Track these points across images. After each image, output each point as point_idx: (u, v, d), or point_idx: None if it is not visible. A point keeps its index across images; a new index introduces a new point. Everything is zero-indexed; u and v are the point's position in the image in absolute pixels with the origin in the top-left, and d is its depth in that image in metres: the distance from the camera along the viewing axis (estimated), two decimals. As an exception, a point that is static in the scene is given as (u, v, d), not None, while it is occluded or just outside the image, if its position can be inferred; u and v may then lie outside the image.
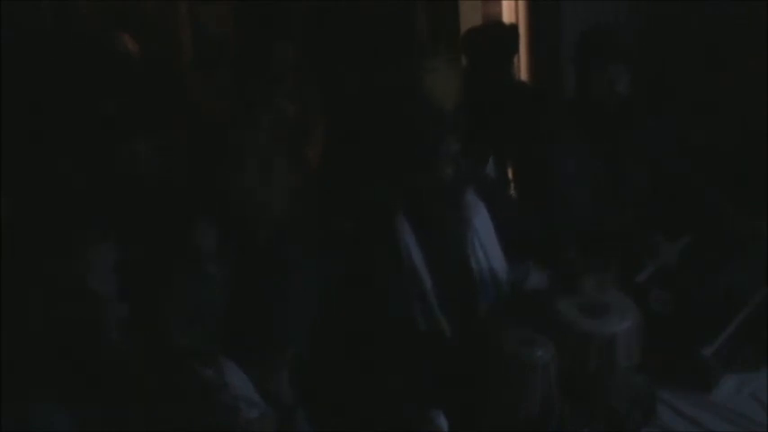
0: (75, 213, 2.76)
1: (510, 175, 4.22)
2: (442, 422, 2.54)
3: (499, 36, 4.39)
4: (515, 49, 4.52)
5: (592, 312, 2.71)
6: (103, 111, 3.44)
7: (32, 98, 3.94)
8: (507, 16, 5.32)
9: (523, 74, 5.25)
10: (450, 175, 2.80)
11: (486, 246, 2.85)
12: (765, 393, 2.83)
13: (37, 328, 2.54)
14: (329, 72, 4.68)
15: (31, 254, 2.68)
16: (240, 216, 2.92)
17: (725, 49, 4.49)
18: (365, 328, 2.74)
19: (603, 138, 3.32)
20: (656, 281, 3.08)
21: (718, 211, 3.31)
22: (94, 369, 2.50)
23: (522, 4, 5.22)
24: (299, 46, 4.56)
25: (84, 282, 2.59)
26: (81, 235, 2.66)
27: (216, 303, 2.74)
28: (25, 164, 3.29)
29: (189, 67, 5.05)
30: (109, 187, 2.80)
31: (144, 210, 2.73)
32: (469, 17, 5.25)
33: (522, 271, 2.95)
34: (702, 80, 4.56)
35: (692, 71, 4.62)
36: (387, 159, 2.86)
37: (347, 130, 4.12)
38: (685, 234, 3.25)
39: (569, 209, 3.22)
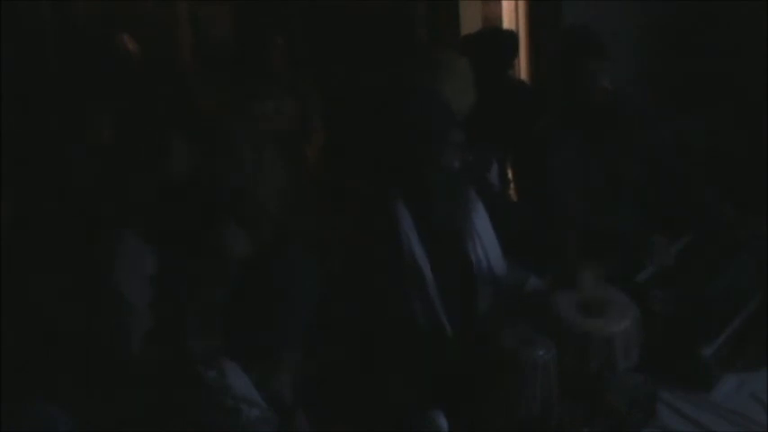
0: (103, 220, 2.76)
1: (509, 175, 4.23)
2: (442, 422, 2.54)
3: (497, 42, 4.40)
4: (514, 56, 4.53)
5: (591, 312, 2.71)
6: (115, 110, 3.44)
7: (36, 98, 3.95)
8: (507, 16, 5.32)
9: (523, 74, 5.25)
10: (455, 168, 2.80)
11: (485, 245, 2.85)
12: (765, 393, 2.83)
13: (50, 330, 2.55)
14: (329, 68, 4.69)
15: (53, 259, 2.69)
16: (240, 215, 2.91)
17: (724, 49, 4.49)
18: (365, 327, 2.74)
19: (596, 135, 3.31)
20: (656, 281, 3.08)
21: (718, 211, 3.31)
22: (105, 373, 2.51)
23: (522, 5, 5.22)
24: (298, 44, 4.56)
25: (116, 289, 2.60)
26: (112, 240, 2.66)
27: (226, 305, 2.74)
28: (43, 167, 3.29)
29: (189, 65, 5.05)
30: (135, 193, 2.80)
31: (174, 215, 2.73)
32: (469, 17, 5.25)
33: (521, 271, 2.95)
34: (702, 79, 4.56)
35: (691, 70, 4.63)
36: (389, 151, 2.85)
37: (348, 123, 4.13)
38: (685, 234, 3.25)
39: (567, 209, 3.22)
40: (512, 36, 4.60)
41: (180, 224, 2.69)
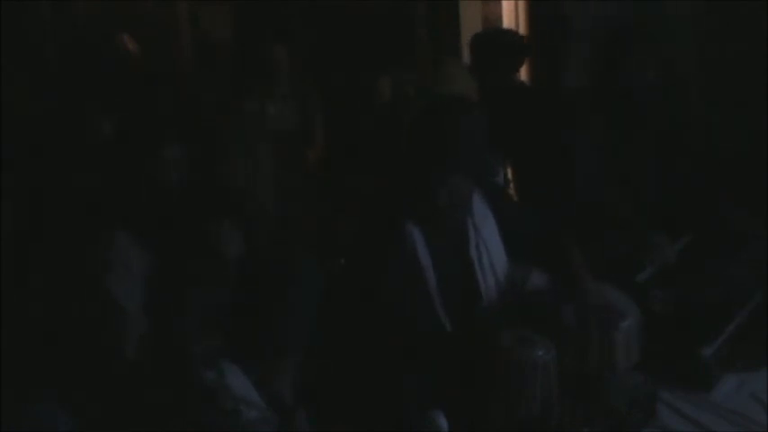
0: (99, 221, 2.76)
1: (510, 175, 4.22)
2: (442, 422, 2.54)
3: (509, 44, 4.38)
4: (523, 58, 4.51)
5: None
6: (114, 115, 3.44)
7: (35, 98, 3.95)
8: (507, 16, 5.31)
9: (523, 74, 5.24)
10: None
11: (489, 246, 2.85)
12: (765, 393, 2.83)
13: (50, 332, 2.54)
14: (329, 68, 4.69)
15: (51, 260, 2.68)
16: (237, 215, 2.91)
17: (724, 49, 4.49)
18: (367, 329, 2.74)
19: (625, 131, 3.29)
20: (656, 281, 3.08)
21: (718, 211, 3.31)
22: (104, 374, 2.51)
23: (522, 5, 5.21)
24: (298, 44, 4.56)
25: (110, 293, 2.60)
26: (106, 241, 2.66)
27: (226, 306, 2.74)
28: (43, 171, 3.29)
29: (189, 67, 5.05)
30: (131, 194, 2.80)
31: (169, 217, 2.72)
32: (469, 17, 5.25)
33: (523, 271, 2.95)
34: (701, 80, 4.56)
35: (690, 70, 4.62)
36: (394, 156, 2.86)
37: (350, 125, 4.13)
38: (685, 234, 3.25)
39: (579, 207, 3.21)
40: (520, 39, 4.58)
41: (176, 225, 2.69)
